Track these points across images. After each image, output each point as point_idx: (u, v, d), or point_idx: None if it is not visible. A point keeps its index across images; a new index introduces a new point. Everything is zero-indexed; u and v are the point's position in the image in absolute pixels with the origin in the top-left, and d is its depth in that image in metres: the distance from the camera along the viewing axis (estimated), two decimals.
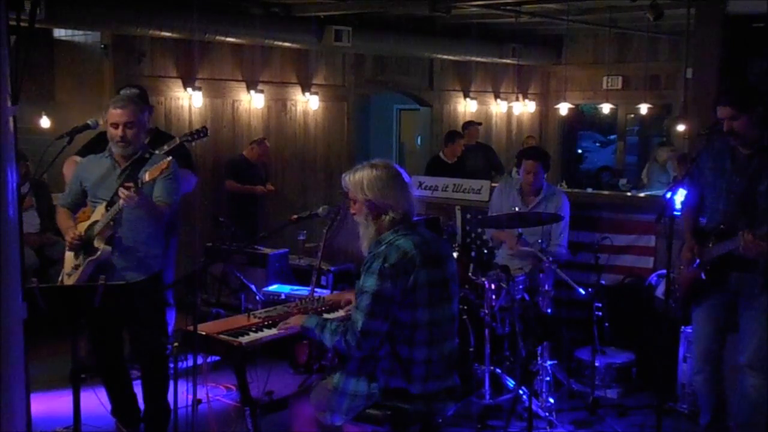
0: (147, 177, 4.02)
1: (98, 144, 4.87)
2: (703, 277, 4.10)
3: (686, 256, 4.20)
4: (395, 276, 3.15)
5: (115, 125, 4.25)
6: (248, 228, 7.85)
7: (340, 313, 4.09)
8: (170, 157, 4.16)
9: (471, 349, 5.05)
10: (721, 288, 4.11)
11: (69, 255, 4.39)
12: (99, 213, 4.27)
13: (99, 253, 4.21)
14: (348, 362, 3.35)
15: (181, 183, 5.24)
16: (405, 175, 3.37)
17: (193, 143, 5.41)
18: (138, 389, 4.60)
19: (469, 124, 10.40)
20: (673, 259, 4.31)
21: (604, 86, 12.13)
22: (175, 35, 8.12)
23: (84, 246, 4.27)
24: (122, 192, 3.97)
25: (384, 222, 3.29)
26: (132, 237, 4.28)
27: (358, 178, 3.30)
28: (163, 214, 4.30)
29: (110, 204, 4.20)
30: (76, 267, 4.30)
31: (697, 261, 4.15)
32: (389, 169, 3.34)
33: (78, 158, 4.90)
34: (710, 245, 4.07)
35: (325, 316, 4.03)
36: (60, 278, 4.46)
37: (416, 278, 3.19)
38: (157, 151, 4.66)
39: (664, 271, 4.69)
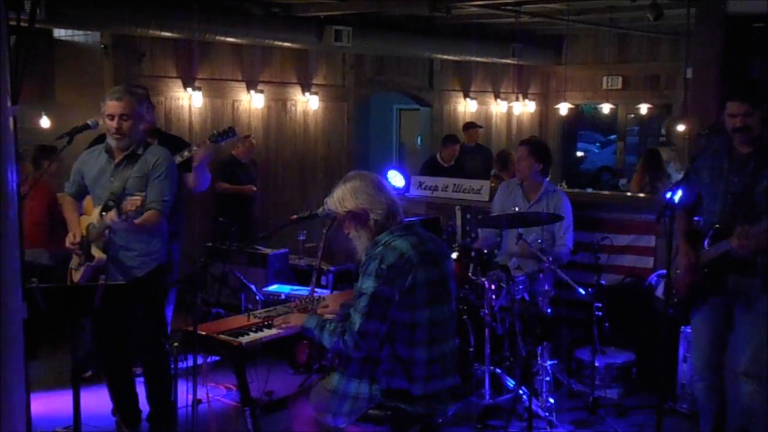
0: (126, 208, 4.02)
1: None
2: (702, 280, 4.02)
3: (683, 261, 4.10)
4: (393, 277, 3.16)
5: (111, 116, 4.26)
6: (242, 228, 7.82)
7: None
8: (143, 194, 4.12)
9: (471, 349, 5.06)
10: (718, 291, 4.02)
11: None
12: (95, 215, 4.29)
13: (95, 261, 4.29)
14: (348, 364, 3.35)
15: (199, 179, 5.24)
16: (378, 178, 3.40)
17: (223, 144, 5.39)
18: (140, 389, 4.60)
19: (470, 126, 10.39)
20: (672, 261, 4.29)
21: (604, 86, 12.14)
22: (175, 35, 8.12)
23: (83, 248, 4.29)
24: (107, 216, 4.03)
25: (371, 226, 3.31)
26: (127, 236, 4.29)
27: (336, 197, 3.36)
28: (157, 221, 4.28)
29: (104, 209, 4.19)
30: (80, 264, 4.37)
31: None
32: (359, 176, 3.38)
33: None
34: (707, 247, 4.00)
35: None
36: (68, 269, 4.50)
37: (414, 278, 3.19)
38: (156, 144, 4.63)
39: (664, 271, 4.67)
